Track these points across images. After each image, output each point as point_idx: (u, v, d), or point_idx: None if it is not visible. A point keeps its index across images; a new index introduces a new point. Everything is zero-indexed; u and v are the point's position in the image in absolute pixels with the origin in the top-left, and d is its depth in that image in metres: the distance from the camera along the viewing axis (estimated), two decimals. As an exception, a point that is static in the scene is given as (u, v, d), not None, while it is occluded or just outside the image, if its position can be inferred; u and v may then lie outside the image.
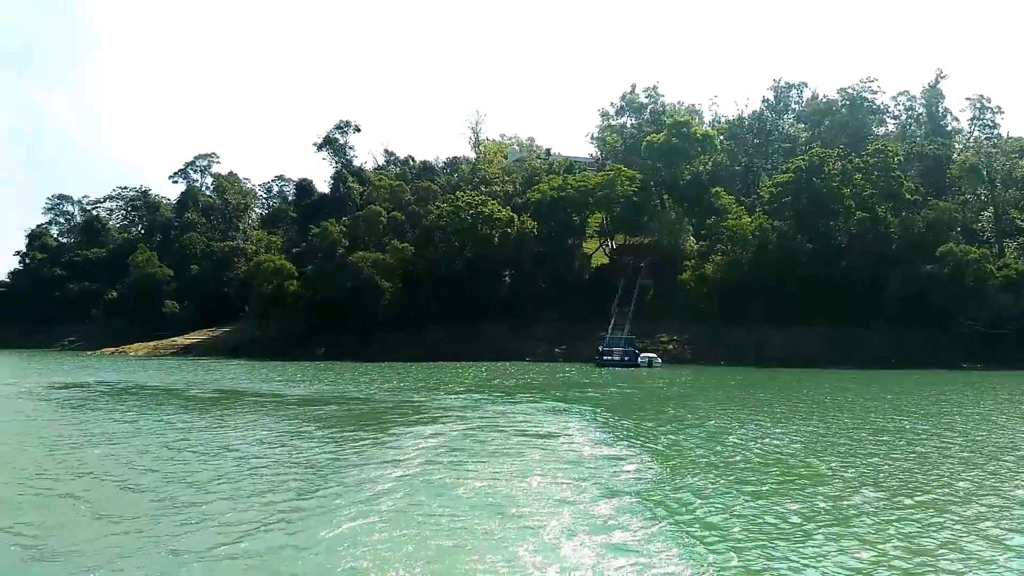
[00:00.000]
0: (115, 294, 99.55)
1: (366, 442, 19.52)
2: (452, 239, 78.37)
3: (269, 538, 10.92)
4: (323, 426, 22.80)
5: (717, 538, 11.12)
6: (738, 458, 17.73)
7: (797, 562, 10.06)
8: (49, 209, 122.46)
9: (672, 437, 21.13)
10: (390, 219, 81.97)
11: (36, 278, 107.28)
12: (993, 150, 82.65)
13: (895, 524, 11.91)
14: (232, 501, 13.19)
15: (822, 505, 13.18)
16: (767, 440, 20.41)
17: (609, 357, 59.13)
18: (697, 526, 11.74)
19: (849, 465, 17.02)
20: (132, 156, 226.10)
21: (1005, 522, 12.14)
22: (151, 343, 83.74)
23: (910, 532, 11.51)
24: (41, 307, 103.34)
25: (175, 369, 53.54)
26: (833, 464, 17.12)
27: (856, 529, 11.65)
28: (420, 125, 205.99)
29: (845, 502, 13.39)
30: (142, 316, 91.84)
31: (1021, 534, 11.43)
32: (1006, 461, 17.75)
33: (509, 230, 77.62)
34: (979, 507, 13.15)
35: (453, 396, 32.51)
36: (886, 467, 16.86)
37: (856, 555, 10.33)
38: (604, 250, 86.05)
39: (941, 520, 12.23)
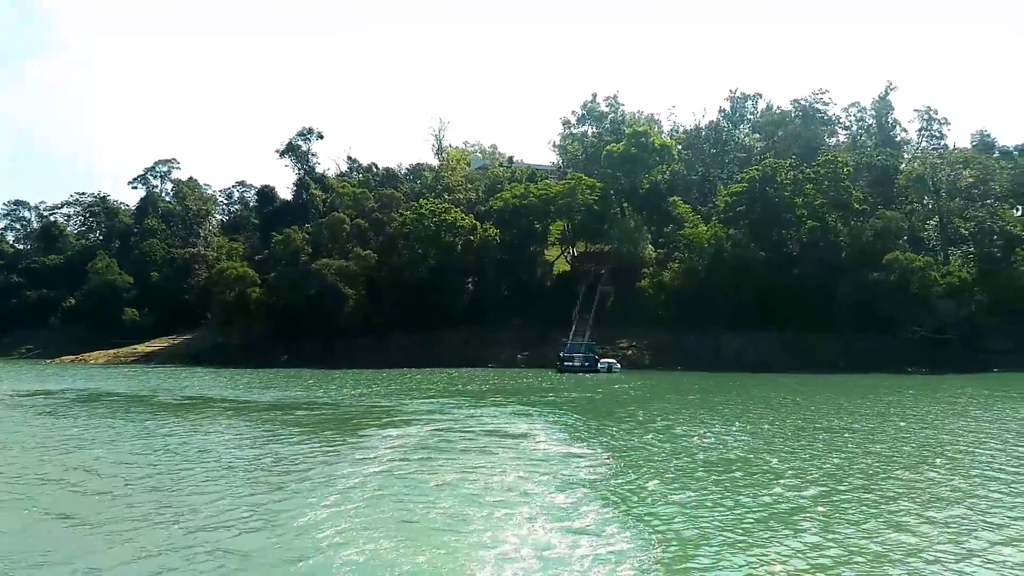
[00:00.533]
0: (73, 301, 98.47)
1: (339, 443, 20.51)
2: (415, 246, 79.16)
3: (247, 531, 11.88)
4: (297, 429, 23.69)
5: (664, 523, 12.38)
6: (689, 455, 19.07)
7: (736, 543, 11.32)
8: (5, 215, 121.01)
9: (628, 436, 22.44)
10: (353, 226, 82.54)
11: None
12: (938, 161, 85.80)
13: (830, 514, 13.28)
14: (210, 496, 14.10)
15: (766, 495, 14.53)
16: (718, 438, 21.81)
17: (570, 363, 60.47)
18: (647, 513, 13.00)
19: (792, 461, 18.44)
20: (90, 161, 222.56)
21: (931, 510, 13.58)
22: (111, 351, 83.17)
23: (843, 520, 12.87)
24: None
25: (140, 377, 53.68)
26: (777, 460, 18.54)
27: (796, 517, 12.96)
28: (383, 131, 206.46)
29: (788, 493, 14.76)
30: (101, 323, 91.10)
31: (941, 523, 12.85)
32: (934, 457, 19.31)
33: (472, 238, 78.72)
34: (905, 501, 14.59)
35: (420, 401, 33.52)
36: (825, 462, 18.31)
37: (793, 540, 11.61)
38: (566, 257, 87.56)
39: (868, 508, 13.64)
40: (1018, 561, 10.51)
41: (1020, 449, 20.29)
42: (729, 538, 11.60)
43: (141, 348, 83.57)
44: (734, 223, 74.91)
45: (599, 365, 60.54)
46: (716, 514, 13.05)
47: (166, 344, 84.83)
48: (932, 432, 24.38)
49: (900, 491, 15.24)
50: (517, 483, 15.14)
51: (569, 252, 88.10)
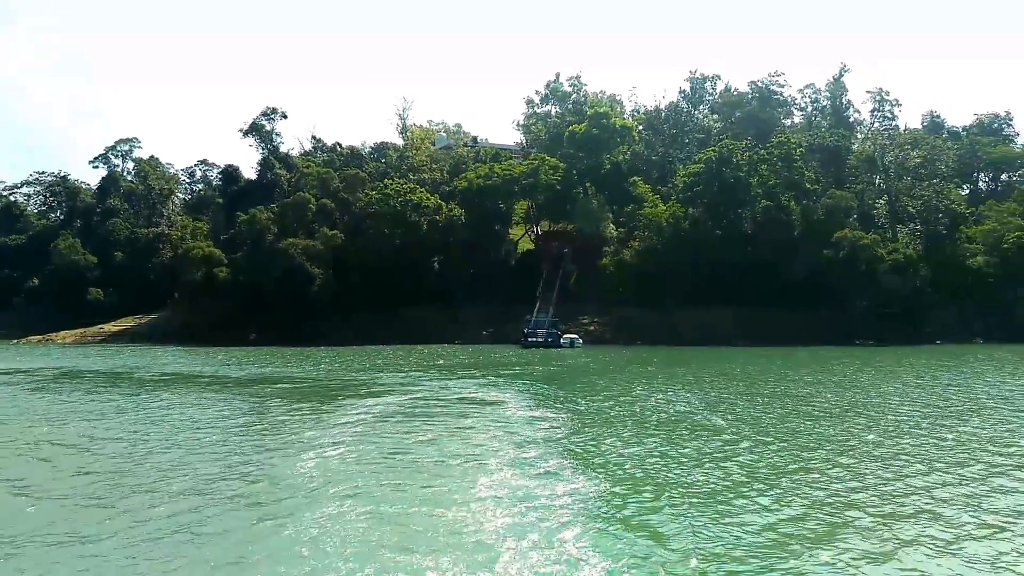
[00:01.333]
0: (36, 281, 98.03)
1: (324, 411, 22.25)
2: (381, 226, 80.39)
3: (248, 480, 13.63)
4: (281, 400, 25.39)
5: (616, 467, 14.41)
6: (642, 415, 21.17)
7: (675, 481, 13.35)
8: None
9: (587, 401, 24.52)
10: (319, 206, 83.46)
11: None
12: (887, 142, 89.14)
13: (757, 459, 15.40)
14: (211, 455, 15.80)
15: (705, 446, 16.63)
16: (668, 402, 23.97)
17: (534, 339, 62.67)
18: (603, 462, 14.99)
19: (731, 419, 20.60)
20: (48, 139, 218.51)
21: (840, 455, 15.78)
22: (78, 331, 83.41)
23: (768, 463, 15.00)
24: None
25: (113, 356, 54.55)
26: (719, 418, 20.70)
27: (728, 463, 15.05)
28: (346, 110, 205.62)
29: (726, 445, 16.89)
30: (66, 304, 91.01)
31: (843, 465, 15.05)
32: (859, 416, 21.62)
33: (437, 217, 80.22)
34: (820, 450, 16.81)
35: (393, 375, 35.32)
36: (759, 420, 20.52)
37: (732, 478, 13.70)
38: (530, 236, 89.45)
39: (789, 454, 15.81)
40: (897, 490, 12.67)
41: (933, 409, 22.71)
42: (669, 477, 13.64)
43: (108, 327, 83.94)
44: (692, 203, 77.30)
45: (562, 340, 62.84)
46: (661, 460, 15.10)
47: (133, 324, 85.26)
48: (858, 394, 26.80)
49: (817, 441, 17.49)
50: (488, 440, 17.05)
51: (533, 231, 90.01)
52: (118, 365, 43.95)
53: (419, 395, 25.93)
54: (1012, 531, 10.53)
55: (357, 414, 20.81)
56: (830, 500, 12.21)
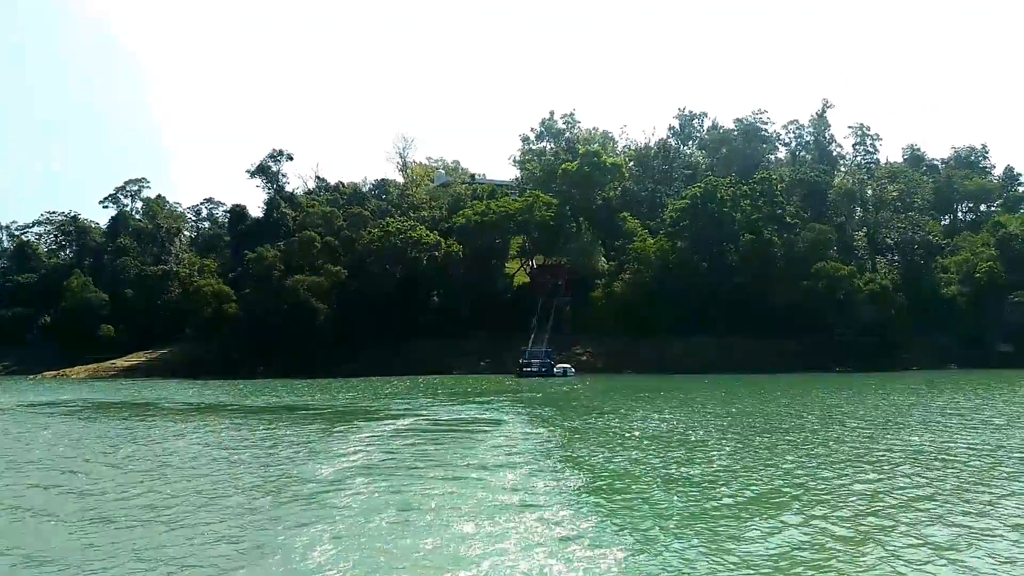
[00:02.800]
0: (48, 319, 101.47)
1: (341, 430, 25.69)
2: (383, 262, 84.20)
3: (280, 479, 17.06)
4: (302, 423, 28.83)
5: (601, 469, 17.84)
6: (625, 434, 24.62)
7: (656, 488, 16.79)
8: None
9: (578, 421, 27.99)
10: (324, 244, 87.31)
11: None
12: (866, 176, 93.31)
13: (728, 465, 18.82)
14: (248, 465, 19.22)
15: (677, 456, 20.06)
16: (650, 422, 27.41)
17: (529, 368, 66.22)
18: (590, 465, 18.43)
19: (716, 438, 23.98)
20: (56, 180, 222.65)
21: (788, 464, 19.23)
22: (91, 366, 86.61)
23: (739, 470, 18.40)
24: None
25: (133, 389, 58.00)
26: (695, 436, 24.12)
27: (715, 473, 18.38)
28: (348, 145, 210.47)
29: (715, 464, 20.08)
30: (78, 340, 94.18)
31: (783, 471, 18.50)
32: (811, 433, 25.07)
33: (437, 253, 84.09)
34: (774, 457, 20.25)
35: (402, 401, 38.88)
36: (730, 438, 23.97)
37: (713, 492, 16.99)
38: (525, 270, 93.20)
39: (759, 463, 19.25)
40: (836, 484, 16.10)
41: (894, 427, 26.19)
42: (644, 476, 17.10)
43: (120, 363, 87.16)
44: (679, 236, 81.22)
45: (555, 370, 66.45)
46: (637, 466, 18.57)
47: (144, 359, 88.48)
48: (819, 414, 30.28)
49: (773, 452, 20.95)
50: (488, 452, 20.51)
51: (528, 265, 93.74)
52: (143, 397, 47.32)
53: (430, 416, 29.52)
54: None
55: (378, 431, 24.34)
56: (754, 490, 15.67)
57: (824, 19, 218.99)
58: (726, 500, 14.77)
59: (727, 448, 21.59)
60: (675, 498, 15.01)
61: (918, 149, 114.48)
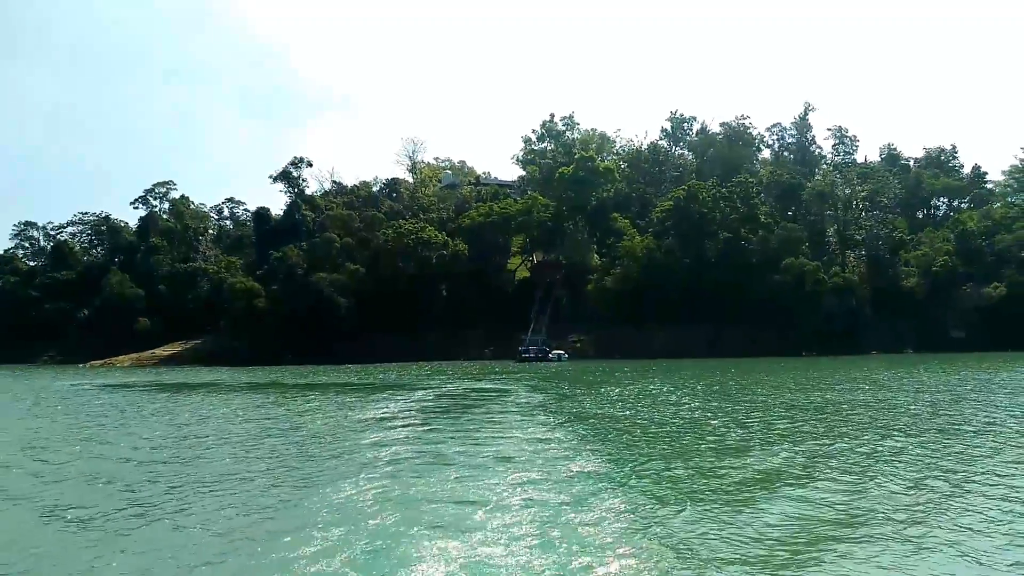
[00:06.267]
0: (87, 312, 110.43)
1: (378, 397, 34.24)
2: (396, 260, 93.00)
3: (334, 431, 25.64)
4: (347, 393, 37.49)
5: (590, 429, 26.37)
6: (608, 396, 33.22)
7: (647, 454, 25.33)
8: (15, 235, 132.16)
9: (567, 388, 36.70)
10: (343, 244, 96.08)
11: (12, 299, 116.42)
12: (838, 178, 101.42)
13: (700, 437, 27.35)
14: (310, 416, 27.80)
15: (653, 422, 28.60)
16: (628, 391, 35.98)
17: (527, 354, 75.15)
18: (581, 423, 26.98)
19: (703, 411, 32.52)
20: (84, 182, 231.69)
21: (747, 436, 27.80)
22: (132, 355, 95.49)
23: (713, 440, 26.93)
24: (14, 326, 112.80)
25: (190, 373, 66.77)
26: (669, 396, 32.65)
27: (704, 442, 26.95)
28: (361, 145, 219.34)
29: (709, 436, 28.72)
30: (117, 332, 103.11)
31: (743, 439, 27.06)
32: (777, 406, 33.58)
33: (445, 251, 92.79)
34: (739, 429, 28.82)
35: (420, 378, 47.57)
36: (706, 410, 32.50)
37: (696, 459, 25.59)
38: (525, 266, 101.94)
39: (730, 432, 27.79)
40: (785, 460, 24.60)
41: (848, 402, 34.71)
42: (647, 453, 25.71)
43: (159, 352, 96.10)
44: (664, 235, 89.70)
45: (551, 355, 75.36)
46: (609, 410, 27.14)
47: (180, 348, 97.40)
48: (773, 392, 38.77)
49: (738, 425, 29.45)
50: (500, 414, 29.04)
51: (528, 261, 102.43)
52: (201, 379, 56.00)
53: (447, 389, 38.20)
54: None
55: (406, 399, 32.94)
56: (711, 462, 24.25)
57: (815, 24, 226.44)
58: (687, 441, 23.32)
59: (691, 403, 30.16)
60: (640, 432, 23.59)
61: (895, 149, 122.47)
